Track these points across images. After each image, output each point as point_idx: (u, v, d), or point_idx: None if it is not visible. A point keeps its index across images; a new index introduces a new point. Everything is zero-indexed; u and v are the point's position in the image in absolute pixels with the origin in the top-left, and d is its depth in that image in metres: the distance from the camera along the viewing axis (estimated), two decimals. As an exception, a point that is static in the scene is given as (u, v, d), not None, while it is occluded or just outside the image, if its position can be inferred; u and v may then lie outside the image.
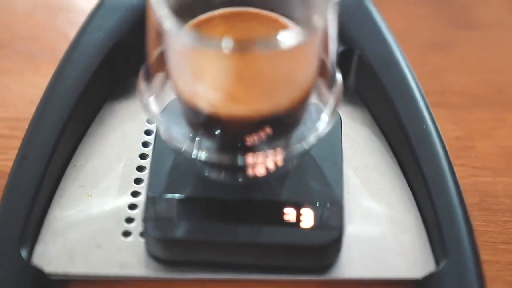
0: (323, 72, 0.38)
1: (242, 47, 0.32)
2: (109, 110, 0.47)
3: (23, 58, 0.52)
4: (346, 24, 0.46)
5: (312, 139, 0.37)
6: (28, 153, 0.41)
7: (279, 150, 0.37)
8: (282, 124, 0.37)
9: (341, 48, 0.46)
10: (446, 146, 0.43)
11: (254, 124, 0.36)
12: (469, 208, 0.42)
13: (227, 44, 0.32)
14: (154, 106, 0.38)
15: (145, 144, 0.45)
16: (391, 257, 0.42)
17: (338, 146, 0.42)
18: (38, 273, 0.38)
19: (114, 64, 0.47)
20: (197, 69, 0.35)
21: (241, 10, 0.38)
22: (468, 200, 0.42)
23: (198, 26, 0.37)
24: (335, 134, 0.42)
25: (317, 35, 0.34)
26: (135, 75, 0.40)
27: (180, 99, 0.37)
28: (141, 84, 0.38)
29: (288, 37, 0.32)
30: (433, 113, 0.45)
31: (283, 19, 0.37)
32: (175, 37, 0.34)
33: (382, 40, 0.47)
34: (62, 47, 0.47)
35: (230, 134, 0.37)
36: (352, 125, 0.47)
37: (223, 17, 0.38)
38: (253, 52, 0.32)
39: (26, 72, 0.51)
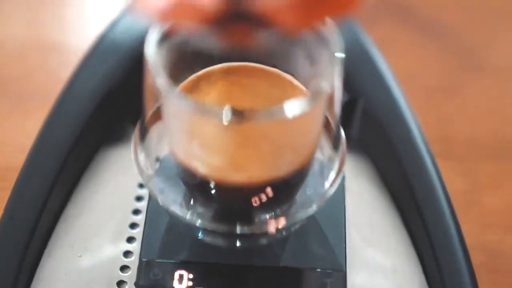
0: (327, 128, 0.36)
1: (242, 117, 0.30)
2: (102, 158, 0.45)
3: (12, 102, 0.51)
4: (348, 71, 0.45)
5: (316, 205, 0.35)
6: (15, 213, 0.39)
7: (281, 220, 0.35)
8: (284, 188, 0.35)
9: (344, 98, 0.44)
10: (452, 201, 0.42)
11: (253, 191, 0.34)
12: (476, 269, 0.40)
13: (226, 114, 0.30)
14: (148, 168, 0.36)
15: (139, 198, 0.42)
16: None
17: (341, 206, 0.40)
18: None
19: (108, 110, 0.45)
20: (194, 134, 0.33)
21: (241, 64, 0.36)
22: (475, 260, 0.40)
23: (197, 82, 0.35)
24: (338, 193, 0.40)
25: (323, 99, 0.33)
26: (129, 120, 0.38)
27: (176, 160, 0.35)
28: (136, 144, 0.36)
29: (293, 106, 0.30)
30: (439, 166, 0.43)
31: (285, 75, 0.36)
32: (173, 104, 0.32)
33: (386, 88, 0.45)
34: (53, 90, 0.45)
35: (228, 200, 0.35)
36: (356, 178, 0.45)
37: (223, 72, 0.36)
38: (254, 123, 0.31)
39: (15, 117, 0.49)
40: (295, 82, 0.35)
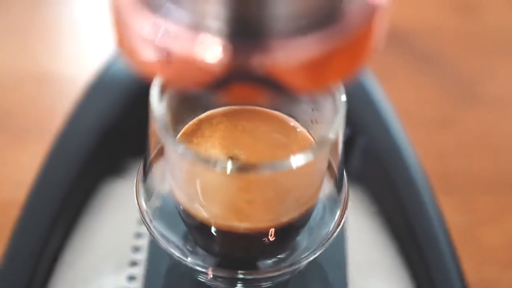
0: (329, 169, 0.36)
1: (246, 170, 0.30)
2: (101, 193, 0.45)
3: (8, 135, 0.50)
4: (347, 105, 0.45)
5: (320, 249, 0.35)
6: (16, 254, 0.39)
7: (284, 265, 0.35)
8: (288, 232, 0.35)
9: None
10: (452, 237, 0.42)
11: (256, 236, 0.34)
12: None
13: (230, 167, 0.30)
14: (149, 211, 0.36)
15: (138, 235, 0.42)
16: None
17: (342, 246, 0.40)
18: None
19: (107, 146, 0.44)
20: (196, 182, 0.33)
21: (243, 108, 0.36)
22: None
23: (199, 125, 0.35)
24: (339, 234, 0.40)
25: (328, 147, 0.32)
26: (129, 154, 0.38)
27: (177, 202, 0.34)
28: (138, 185, 0.36)
29: (299, 159, 0.30)
30: (438, 201, 0.43)
31: (287, 118, 0.35)
32: (176, 154, 0.32)
33: (385, 123, 0.45)
34: (49, 123, 0.45)
35: (230, 245, 0.35)
36: (355, 214, 0.45)
37: (225, 115, 0.36)
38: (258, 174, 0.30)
39: (11, 152, 0.49)
40: (298, 125, 0.35)
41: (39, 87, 0.54)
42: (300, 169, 0.30)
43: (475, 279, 0.44)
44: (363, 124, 0.45)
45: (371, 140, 0.44)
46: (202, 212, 0.33)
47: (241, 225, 0.33)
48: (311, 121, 0.35)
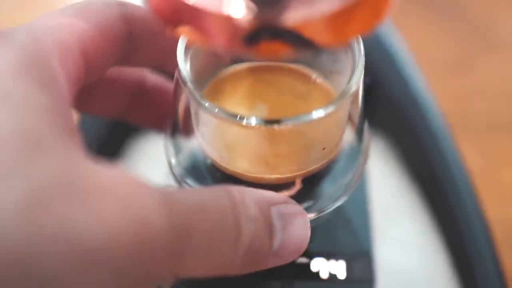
0: (350, 119, 0.37)
1: (274, 125, 0.31)
2: (129, 150, 0.46)
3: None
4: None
5: (344, 197, 0.36)
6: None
7: (310, 213, 0.36)
8: (313, 181, 0.36)
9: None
10: (471, 178, 0.43)
11: (283, 186, 0.35)
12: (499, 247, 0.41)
13: (254, 122, 0.31)
14: (178, 167, 0.37)
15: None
16: None
17: (364, 191, 0.41)
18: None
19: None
20: (225, 138, 0.34)
21: (265, 63, 0.37)
22: (497, 237, 0.42)
23: (223, 80, 0.36)
24: (362, 182, 0.41)
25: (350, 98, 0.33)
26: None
27: (206, 157, 0.36)
28: (168, 143, 0.37)
29: (319, 111, 0.31)
30: (457, 146, 0.44)
31: (307, 70, 0.36)
32: (202, 110, 0.33)
33: (403, 71, 0.46)
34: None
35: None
36: (377, 161, 0.46)
37: (247, 70, 0.37)
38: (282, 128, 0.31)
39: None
40: (318, 77, 0.36)
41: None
42: (323, 120, 0.32)
43: (496, 219, 0.45)
44: (381, 72, 0.46)
45: (389, 88, 0.45)
46: (230, 165, 0.34)
47: (270, 176, 0.34)
48: (331, 72, 0.36)
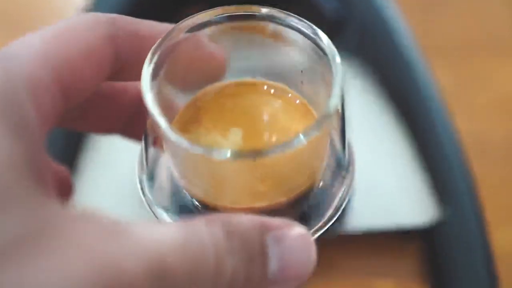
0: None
1: (253, 157, 0.29)
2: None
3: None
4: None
5: (338, 213, 0.35)
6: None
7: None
8: (301, 201, 0.34)
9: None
10: (443, 97, 0.45)
11: (271, 211, 0.33)
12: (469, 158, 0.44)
13: (231, 154, 0.28)
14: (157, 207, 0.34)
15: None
16: (396, 208, 0.45)
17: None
18: None
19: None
20: (203, 173, 0.32)
21: (233, 82, 0.35)
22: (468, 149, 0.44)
23: (193, 107, 0.34)
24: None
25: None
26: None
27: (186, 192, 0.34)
28: (143, 183, 0.34)
29: (303, 137, 0.29)
30: (429, 65, 0.45)
31: (278, 85, 0.34)
32: (176, 147, 0.30)
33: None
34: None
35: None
36: (352, 85, 0.47)
37: (217, 93, 0.35)
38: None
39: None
40: (291, 92, 0.34)
41: None
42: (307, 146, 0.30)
43: (467, 133, 0.46)
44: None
45: (360, 13, 0.46)
46: (213, 199, 0.32)
47: (259, 204, 0.32)
48: (301, 82, 0.34)
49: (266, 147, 0.29)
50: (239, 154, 0.29)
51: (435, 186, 0.45)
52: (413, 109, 0.46)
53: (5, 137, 0.26)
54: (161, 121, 0.29)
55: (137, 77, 0.33)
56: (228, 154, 0.28)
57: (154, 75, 0.31)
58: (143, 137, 0.33)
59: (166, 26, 0.33)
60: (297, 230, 0.30)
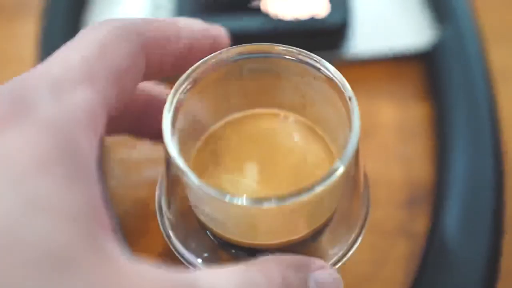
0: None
1: (263, 203, 0.29)
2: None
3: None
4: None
5: (360, 238, 0.35)
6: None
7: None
8: (321, 232, 0.35)
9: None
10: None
11: (288, 247, 0.34)
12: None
13: (247, 202, 0.29)
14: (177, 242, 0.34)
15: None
16: (395, 30, 0.47)
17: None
18: None
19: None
20: (218, 211, 0.32)
21: (243, 115, 0.35)
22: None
23: (209, 146, 0.34)
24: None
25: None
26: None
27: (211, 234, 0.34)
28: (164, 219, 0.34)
29: (320, 186, 0.29)
30: None
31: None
32: (196, 190, 0.30)
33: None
34: None
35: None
36: None
37: (232, 130, 0.35)
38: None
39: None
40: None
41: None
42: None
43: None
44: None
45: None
46: (235, 236, 0.33)
47: (280, 240, 0.33)
48: (303, 106, 0.35)
49: (289, 193, 0.29)
50: (261, 201, 0.29)
51: (433, 6, 0.47)
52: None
53: (66, 187, 0.24)
54: (192, 177, 0.29)
55: (157, 75, 0.33)
56: (238, 200, 0.29)
57: (174, 117, 0.31)
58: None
59: (185, 22, 0.33)
60: (331, 272, 0.31)
